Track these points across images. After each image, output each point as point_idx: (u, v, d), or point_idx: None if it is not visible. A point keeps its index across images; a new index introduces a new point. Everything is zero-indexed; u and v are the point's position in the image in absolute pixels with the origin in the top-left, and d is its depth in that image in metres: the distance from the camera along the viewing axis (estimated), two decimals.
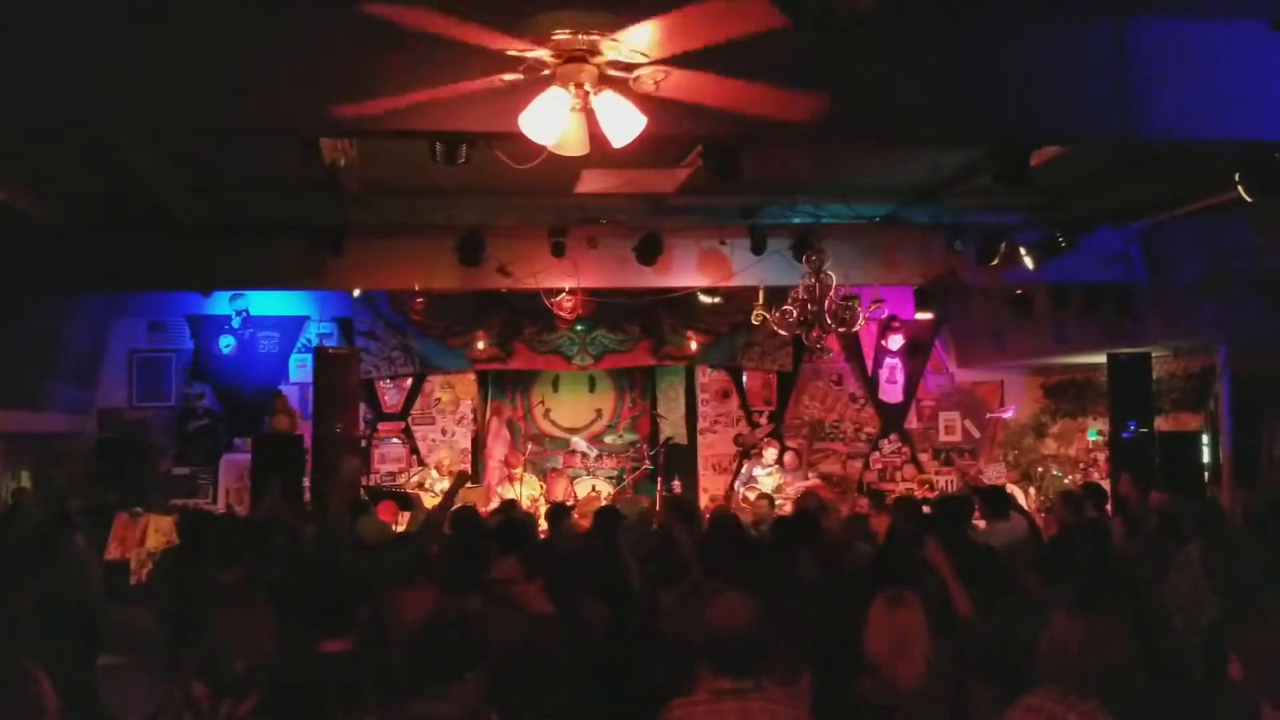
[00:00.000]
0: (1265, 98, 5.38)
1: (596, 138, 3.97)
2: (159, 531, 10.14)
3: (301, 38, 4.53)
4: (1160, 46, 5.32)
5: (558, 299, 9.92)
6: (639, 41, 3.54)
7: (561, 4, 3.58)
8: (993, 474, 12.82)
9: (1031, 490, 12.34)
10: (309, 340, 12.44)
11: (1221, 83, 5.36)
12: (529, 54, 3.59)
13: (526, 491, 11.54)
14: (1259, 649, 2.36)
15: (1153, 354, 10.78)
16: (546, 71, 3.62)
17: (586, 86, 3.59)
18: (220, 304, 11.92)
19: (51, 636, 4.62)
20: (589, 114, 3.73)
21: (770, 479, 11.87)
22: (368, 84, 4.33)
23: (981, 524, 7.72)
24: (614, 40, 3.52)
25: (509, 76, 3.69)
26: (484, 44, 3.53)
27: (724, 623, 3.06)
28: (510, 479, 12.00)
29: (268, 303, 12.22)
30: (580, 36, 3.54)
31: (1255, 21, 5.15)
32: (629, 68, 3.65)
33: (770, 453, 12.31)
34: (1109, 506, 8.14)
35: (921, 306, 11.07)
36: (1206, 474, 10.35)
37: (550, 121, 3.69)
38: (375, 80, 4.36)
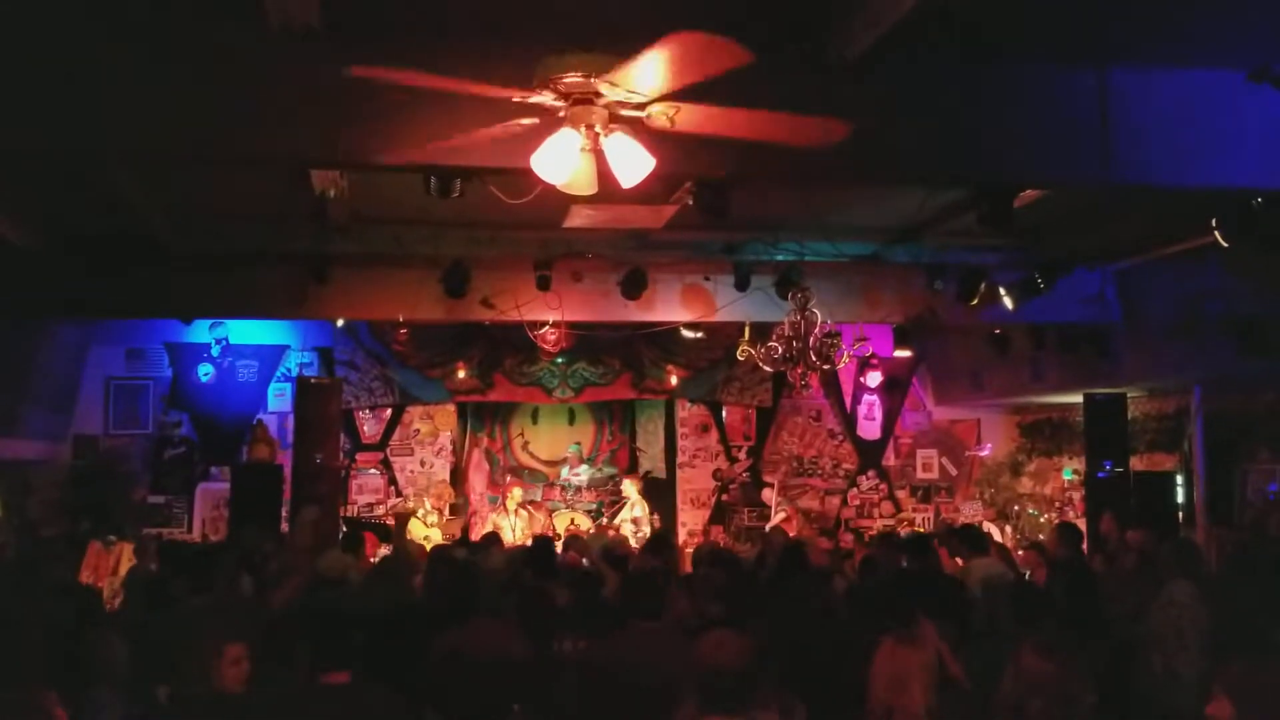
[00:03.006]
0: (1241, 146, 5.53)
1: (603, 175, 4.03)
2: (132, 560, 10.03)
3: (317, 79, 4.60)
4: (1140, 94, 5.47)
5: (541, 332, 9.94)
6: (638, 82, 3.61)
7: (564, 49, 3.64)
8: (969, 512, 12.89)
9: (1008, 528, 12.40)
10: (288, 369, 12.38)
11: (1199, 130, 5.51)
12: (537, 100, 3.65)
13: (520, 526, 11.44)
14: (1250, 688, 2.39)
15: (1128, 394, 10.90)
16: (562, 114, 3.67)
17: (597, 128, 3.66)
18: (199, 332, 11.84)
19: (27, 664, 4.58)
20: (598, 154, 3.80)
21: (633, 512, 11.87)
22: (382, 129, 4.41)
23: (959, 561, 7.78)
24: (612, 83, 3.59)
25: (525, 121, 3.74)
26: (494, 97, 3.60)
27: (715, 659, 3.07)
28: (505, 509, 11.90)
29: (247, 331, 12.15)
30: (584, 79, 3.60)
31: (1232, 72, 5.29)
32: (641, 106, 3.71)
33: (629, 486, 12.26)
34: (1085, 546, 8.21)
35: (900, 344, 11.17)
36: (1181, 514, 10.45)
37: (561, 162, 3.76)
38: (390, 127, 4.44)
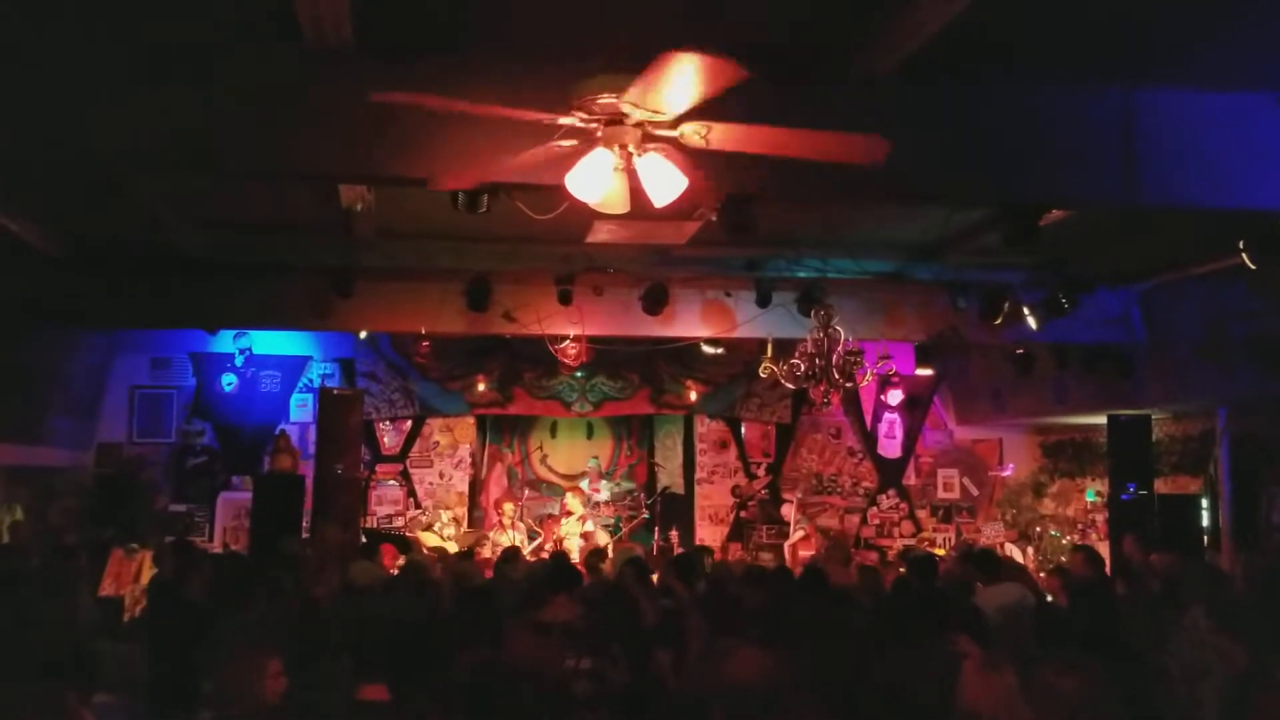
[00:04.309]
0: (1269, 168, 5.50)
1: (635, 193, 4.06)
2: (153, 569, 10.08)
3: (359, 101, 4.67)
4: (1167, 116, 5.45)
5: (562, 346, 9.96)
6: (658, 102, 3.62)
7: (592, 70, 3.67)
8: (990, 533, 12.80)
9: (1030, 550, 12.30)
10: (310, 380, 12.46)
11: (1226, 152, 5.49)
12: (570, 122, 3.69)
13: (520, 539, 11.46)
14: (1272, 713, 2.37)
15: (1152, 416, 10.81)
16: (599, 133, 3.70)
17: (630, 148, 3.69)
18: (223, 342, 11.95)
19: (50, 672, 4.60)
20: (631, 173, 3.83)
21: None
22: (418, 150, 4.45)
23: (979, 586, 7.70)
24: (634, 104, 3.62)
25: (566, 143, 3.78)
26: (533, 120, 3.64)
27: (740, 678, 3.05)
28: (501, 525, 11.90)
29: (270, 342, 12.25)
30: (614, 100, 3.63)
31: (1260, 94, 5.27)
32: (674, 125, 3.73)
33: (573, 501, 12.19)
34: (1108, 569, 8.13)
35: (922, 362, 11.13)
36: (1205, 537, 10.34)
37: (595, 181, 3.79)
38: (433, 149, 4.48)
